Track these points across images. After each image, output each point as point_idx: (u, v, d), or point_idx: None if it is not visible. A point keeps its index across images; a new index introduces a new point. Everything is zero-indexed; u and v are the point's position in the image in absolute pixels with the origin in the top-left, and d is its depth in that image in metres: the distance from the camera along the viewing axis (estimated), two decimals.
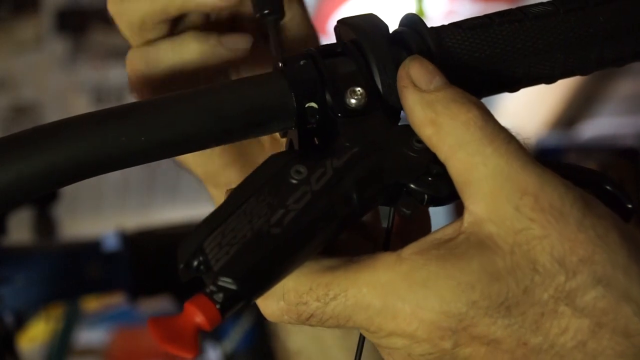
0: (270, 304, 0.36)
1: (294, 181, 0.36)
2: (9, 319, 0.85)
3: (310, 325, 0.36)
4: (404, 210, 0.36)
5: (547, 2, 0.42)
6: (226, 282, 0.32)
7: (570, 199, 0.33)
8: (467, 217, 0.34)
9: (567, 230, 0.33)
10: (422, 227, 0.43)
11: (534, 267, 0.32)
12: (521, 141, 0.35)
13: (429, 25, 0.41)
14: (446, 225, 0.36)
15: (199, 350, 0.32)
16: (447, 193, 0.37)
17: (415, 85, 0.37)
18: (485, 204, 0.34)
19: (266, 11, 0.42)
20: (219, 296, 0.32)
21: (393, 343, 0.34)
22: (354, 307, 0.34)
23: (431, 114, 0.36)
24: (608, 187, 0.38)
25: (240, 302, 0.33)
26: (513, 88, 0.43)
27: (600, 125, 2.19)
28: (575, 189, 0.34)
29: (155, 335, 0.31)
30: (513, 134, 0.35)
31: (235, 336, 1.00)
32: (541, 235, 0.33)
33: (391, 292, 0.34)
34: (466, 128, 0.35)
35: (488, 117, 0.35)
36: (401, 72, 0.37)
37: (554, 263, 0.32)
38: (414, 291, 0.33)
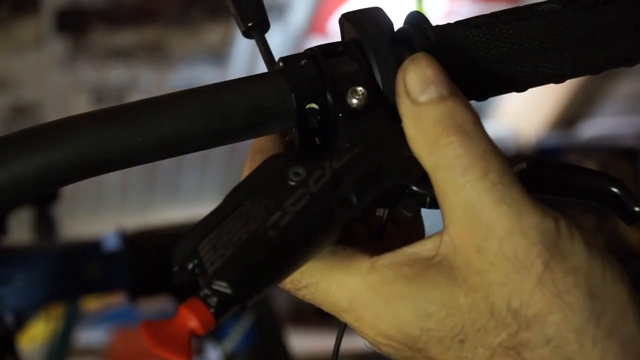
0: None
1: (292, 183, 0.35)
2: (9, 319, 0.85)
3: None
4: (405, 212, 0.36)
5: (555, 0, 0.41)
6: (221, 285, 0.32)
7: (537, 250, 0.32)
8: (445, 237, 0.34)
9: (527, 283, 0.32)
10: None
11: (491, 311, 0.32)
12: (505, 168, 0.33)
13: (433, 24, 0.40)
14: (428, 238, 0.35)
15: (192, 355, 0.31)
16: None
17: (408, 94, 0.36)
18: (455, 233, 0.34)
19: (250, 23, 0.42)
20: (213, 300, 0.32)
21: (361, 333, 0.36)
22: (322, 300, 0.36)
23: (417, 130, 0.35)
24: (614, 190, 0.38)
25: (235, 306, 0.32)
26: (520, 88, 0.42)
27: (600, 125, 2.19)
28: (547, 237, 0.32)
29: (148, 339, 0.31)
30: (495, 162, 0.33)
31: (235, 336, 1.00)
32: (500, 282, 0.32)
33: (356, 298, 0.35)
34: (444, 154, 0.34)
35: (470, 144, 0.33)
36: (399, 76, 0.37)
37: (509, 313, 0.32)
38: (377, 304, 0.34)
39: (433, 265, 0.34)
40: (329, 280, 0.35)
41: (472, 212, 0.33)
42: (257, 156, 0.39)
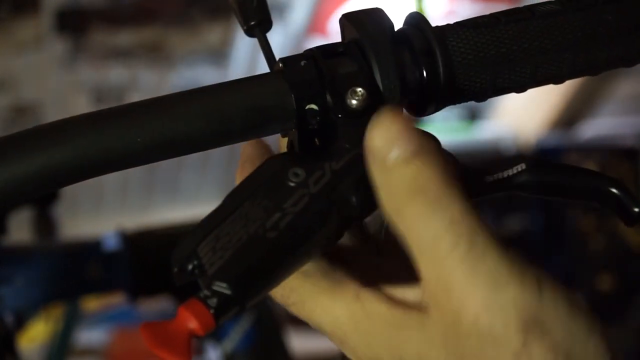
0: None
1: (292, 184, 0.35)
2: (9, 319, 0.85)
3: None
4: None
5: (555, 0, 0.41)
6: (220, 286, 0.32)
7: (514, 326, 0.31)
8: (423, 298, 0.34)
9: (503, 357, 0.31)
10: None
11: None
12: (479, 235, 0.31)
13: (433, 25, 0.40)
14: (412, 287, 0.35)
15: (192, 356, 0.31)
16: None
17: (374, 157, 0.33)
18: (431, 300, 0.33)
19: (253, 22, 0.42)
20: (213, 301, 0.31)
21: (345, 353, 0.37)
22: (307, 318, 0.37)
23: (385, 196, 0.33)
24: (614, 191, 0.38)
25: (234, 307, 0.32)
26: (520, 88, 0.42)
27: (600, 125, 2.19)
28: (527, 311, 0.31)
29: (148, 340, 0.31)
30: (468, 229, 0.31)
31: (235, 336, 1.00)
32: (474, 353, 0.31)
33: (337, 325, 0.35)
34: (410, 224, 0.32)
35: (434, 213, 0.31)
36: (367, 134, 0.34)
37: None
38: (355, 336, 0.35)
39: (412, 315, 0.34)
40: (315, 302, 0.36)
41: (444, 286, 0.31)
42: (247, 164, 0.39)
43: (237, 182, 0.38)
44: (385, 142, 0.33)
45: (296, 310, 0.37)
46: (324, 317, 0.36)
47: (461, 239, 0.31)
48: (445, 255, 0.31)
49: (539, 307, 0.31)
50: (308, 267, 0.36)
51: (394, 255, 0.37)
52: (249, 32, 0.42)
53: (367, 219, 0.40)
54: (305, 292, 0.36)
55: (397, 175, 0.32)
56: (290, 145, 0.40)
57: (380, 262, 0.39)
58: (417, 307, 0.34)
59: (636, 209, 0.37)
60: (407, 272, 0.35)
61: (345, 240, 0.39)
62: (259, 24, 0.42)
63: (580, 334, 0.31)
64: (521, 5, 0.42)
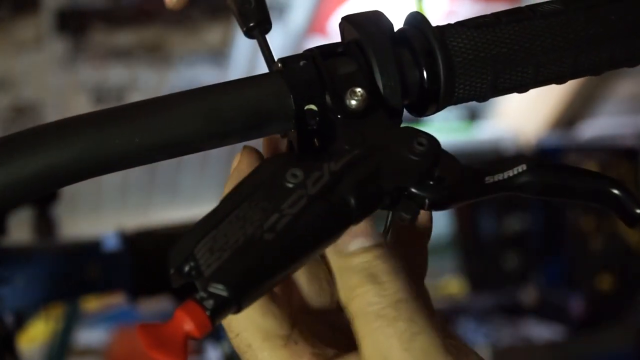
0: None
1: (290, 185, 0.35)
2: (9, 319, 0.85)
3: None
4: (404, 214, 0.35)
5: (557, 0, 0.41)
6: (217, 288, 0.31)
7: None
8: None
9: None
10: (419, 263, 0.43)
11: None
12: (418, 319, 0.35)
13: (433, 25, 0.40)
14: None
15: (188, 358, 0.31)
16: (448, 197, 0.36)
17: (335, 246, 0.37)
18: None
19: (252, 23, 0.42)
20: (210, 303, 0.31)
21: None
22: None
23: (341, 279, 0.36)
24: (615, 191, 0.37)
25: (231, 309, 0.32)
26: (521, 89, 0.41)
27: (600, 125, 2.19)
28: None
29: (144, 341, 0.30)
30: (409, 311, 0.35)
31: None
32: None
33: None
34: (360, 301, 0.35)
35: (383, 293, 0.35)
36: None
37: None
38: None
39: None
40: None
41: (382, 356, 0.34)
42: (235, 175, 0.39)
43: (225, 191, 0.37)
44: (348, 233, 0.36)
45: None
46: None
47: (402, 317, 0.35)
48: (386, 327, 0.34)
49: None
50: (272, 325, 0.37)
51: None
52: (248, 34, 0.42)
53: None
54: (259, 355, 0.37)
55: (355, 260, 0.36)
56: (289, 145, 0.40)
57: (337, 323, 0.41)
58: None
59: (637, 210, 0.37)
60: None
61: (315, 298, 0.41)
62: (258, 26, 0.42)
63: None
64: (522, 5, 0.42)
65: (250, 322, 0.37)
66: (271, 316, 0.37)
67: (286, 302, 0.39)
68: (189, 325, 0.31)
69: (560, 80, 0.42)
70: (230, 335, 0.38)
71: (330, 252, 0.37)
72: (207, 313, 0.31)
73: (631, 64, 0.42)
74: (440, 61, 0.39)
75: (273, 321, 0.37)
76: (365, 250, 0.36)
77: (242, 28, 0.42)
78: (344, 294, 0.36)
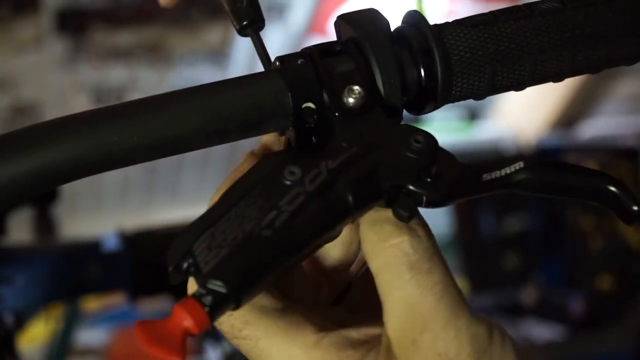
0: None
1: (288, 182, 0.35)
2: (9, 319, 0.85)
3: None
4: (402, 211, 0.35)
5: None
6: (215, 285, 0.32)
7: (466, 352, 0.33)
8: (385, 330, 0.35)
9: None
10: None
11: None
12: (448, 272, 0.35)
13: (431, 23, 0.40)
14: (373, 325, 0.36)
15: (186, 355, 0.31)
16: (446, 194, 0.36)
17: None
18: (392, 327, 0.35)
19: (245, 22, 0.42)
20: (208, 299, 0.31)
21: None
22: (257, 355, 0.36)
23: (372, 230, 0.36)
24: (613, 189, 0.37)
25: (229, 305, 0.32)
26: (519, 87, 0.41)
27: (600, 125, 2.19)
28: (478, 341, 0.34)
29: (142, 338, 0.30)
30: (441, 265, 0.35)
31: None
32: None
33: None
34: (393, 252, 0.35)
35: (419, 244, 0.35)
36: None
37: None
38: None
39: (374, 352, 0.35)
40: (271, 341, 0.35)
41: (412, 307, 0.34)
42: (231, 176, 0.39)
43: (220, 190, 0.37)
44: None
45: (246, 345, 0.36)
46: (279, 357, 0.35)
47: (437, 269, 0.35)
48: (421, 277, 0.34)
49: (490, 342, 0.34)
50: (267, 303, 0.36)
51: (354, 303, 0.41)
52: (242, 32, 0.42)
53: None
54: (260, 329, 0.36)
55: (388, 213, 0.36)
56: (287, 143, 0.40)
57: (338, 309, 0.40)
58: (376, 346, 0.35)
59: (635, 207, 0.37)
60: (365, 314, 0.38)
61: (304, 284, 0.40)
62: (251, 24, 0.42)
63: None
64: (520, 3, 0.42)
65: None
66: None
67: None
68: (187, 322, 0.31)
69: (557, 78, 0.42)
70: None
71: (369, 223, 0.36)
72: (206, 309, 0.31)
73: (629, 62, 0.43)
74: (437, 59, 0.39)
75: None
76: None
77: (235, 27, 0.42)
78: (372, 247, 0.35)
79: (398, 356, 0.34)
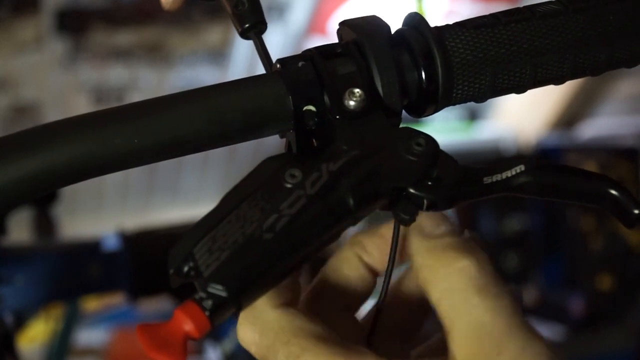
0: (247, 329, 0.36)
1: (288, 185, 0.35)
2: (9, 319, 0.85)
3: None
4: (402, 215, 0.36)
5: (556, 0, 0.41)
6: (216, 288, 0.32)
7: None
8: (451, 355, 0.35)
9: None
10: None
11: None
12: (514, 296, 0.35)
13: (432, 25, 0.40)
14: (437, 357, 0.36)
15: (187, 358, 0.31)
16: (447, 198, 0.36)
17: (421, 230, 0.37)
18: (464, 352, 0.34)
19: (247, 25, 0.42)
20: (209, 303, 0.31)
21: None
22: None
23: (429, 260, 0.36)
24: (613, 192, 0.37)
25: (230, 309, 0.32)
26: (520, 89, 0.41)
27: (600, 125, 2.19)
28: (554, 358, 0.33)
29: (144, 342, 0.30)
30: (506, 289, 0.35)
31: (235, 336, 1.00)
32: None
33: None
34: (458, 276, 0.35)
35: (483, 268, 0.35)
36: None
37: None
38: None
39: None
40: None
41: (484, 331, 0.33)
42: None
43: None
44: (435, 218, 0.37)
45: None
46: None
47: (504, 292, 0.34)
48: (491, 301, 0.34)
49: None
50: (322, 331, 0.36)
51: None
52: (244, 35, 0.42)
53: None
54: (320, 355, 0.35)
55: (446, 239, 0.36)
56: (288, 146, 0.40)
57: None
58: None
59: (636, 211, 0.36)
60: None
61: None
62: (253, 27, 0.42)
63: None
64: (521, 5, 0.42)
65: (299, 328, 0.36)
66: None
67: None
68: (188, 326, 0.31)
69: (559, 81, 0.42)
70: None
71: (415, 237, 0.37)
72: (206, 313, 0.31)
73: (630, 64, 0.42)
74: (438, 62, 0.39)
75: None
76: (455, 231, 0.37)
77: (237, 30, 0.42)
78: (432, 273, 0.35)
79: None
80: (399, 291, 0.42)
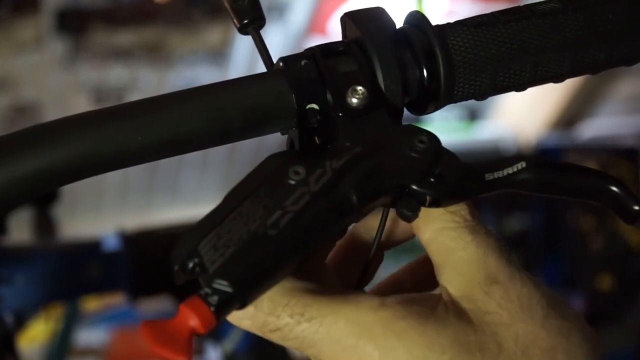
0: None
1: (292, 182, 0.35)
2: (9, 319, 0.85)
3: (269, 338, 0.36)
4: (405, 211, 0.36)
5: None
6: (221, 284, 0.32)
7: (537, 296, 0.36)
8: (443, 294, 0.36)
9: (531, 324, 0.35)
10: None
11: (500, 348, 0.34)
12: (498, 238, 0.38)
13: (433, 24, 0.40)
14: (426, 293, 0.37)
15: (192, 354, 0.31)
16: (449, 194, 0.36)
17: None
18: (459, 284, 0.36)
19: (246, 20, 0.42)
20: (214, 299, 0.31)
21: None
22: (325, 334, 0.35)
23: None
24: (613, 189, 0.38)
25: (235, 305, 0.32)
26: (520, 87, 0.42)
27: (600, 125, 2.19)
28: (543, 289, 0.36)
29: (149, 338, 0.31)
30: (493, 232, 0.38)
31: (235, 336, 1.00)
32: (507, 322, 0.35)
33: (366, 334, 0.35)
34: (452, 217, 0.37)
35: (473, 212, 0.38)
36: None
37: (518, 350, 0.34)
38: (388, 339, 0.34)
39: (442, 307, 0.36)
40: (338, 314, 0.35)
41: (479, 264, 0.36)
42: None
43: None
44: None
45: (312, 328, 0.35)
46: (350, 328, 0.35)
47: (492, 234, 0.38)
48: (482, 238, 0.37)
49: (552, 293, 0.37)
50: (314, 286, 0.36)
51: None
52: (243, 31, 0.42)
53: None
54: (323, 306, 0.35)
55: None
56: (290, 143, 0.40)
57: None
58: (442, 301, 0.36)
59: (636, 207, 0.37)
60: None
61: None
62: (252, 22, 0.42)
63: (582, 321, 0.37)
64: (521, 4, 0.42)
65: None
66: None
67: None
68: (194, 321, 0.31)
69: (558, 79, 0.42)
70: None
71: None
72: (212, 309, 0.31)
73: (629, 63, 0.43)
74: (440, 60, 0.39)
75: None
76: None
77: (236, 25, 0.42)
78: (425, 216, 0.37)
79: (467, 309, 0.35)
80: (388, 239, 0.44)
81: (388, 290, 0.43)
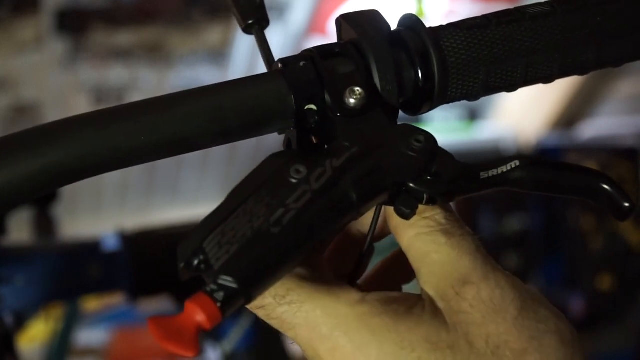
0: None
1: (294, 180, 0.36)
2: (9, 319, 0.85)
3: (258, 315, 0.38)
4: (403, 209, 0.37)
5: (545, 2, 0.43)
6: (227, 280, 0.33)
7: (510, 297, 0.36)
8: (423, 295, 0.37)
9: (503, 325, 0.35)
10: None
11: (471, 347, 0.35)
12: (476, 238, 0.39)
13: (428, 26, 0.41)
14: (408, 293, 0.38)
15: (200, 349, 0.32)
16: (445, 192, 0.37)
17: None
18: (434, 285, 0.37)
19: (250, 20, 0.42)
20: (220, 295, 0.32)
21: None
22: (302, 320, 0.36)
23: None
24: (605, 187, 0.39)
25: (240, 301, 0.33)
26: (511, 88, 0.43)
27: (600, 125, 2.19)
28: (519, 289, 0.37)
29: (156, 334, 0.31)
30: (470, 232, 0.39)
31: (235, 336, 1.00)
32: (479, 322, 0.35)
33: (341, 326, 0.36)
34: (427, 222, 0.38)
35: (448, 216, 0.39)
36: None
37: (488, 350, 0.35)
38: (361, 333, 0.35)
39: (418, 306, 0.37)
40: (316, 303, 0.36)
41: (451, 266, 0.37)
42: None
43: None
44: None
45: (289, 311, 0.37)
46: (326, 318, 0.36)
47: (469, 233, 0.38)
48: (458, 241, 0.38)
49: (527, 290, 0.37)
50: (304, 273, 0.38)
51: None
52: (247, 30, 0.43)
53: None
54: (304, 293, 0.37)
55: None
56: (287, 143, 0.41)
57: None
58: (419, 301, 0.37)
59: (626, 204, 0.38)
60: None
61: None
62: (256, 22, 0.43)
63: (565, 320, 0.38)
64: (521, 5, 0.43)
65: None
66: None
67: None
68: (200, 317, 0.32)
69: (548, 80, 0.43)
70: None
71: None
72: (218, 305, 0.32)
73: (616, 64, 0.44)
74: (434, 61, 0.40)
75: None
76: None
77: (240, 25, 0.43)
78: (402, 224, 0.38)
79: (442, 309, 0.36)
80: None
81: (374, 283, 0.44)
